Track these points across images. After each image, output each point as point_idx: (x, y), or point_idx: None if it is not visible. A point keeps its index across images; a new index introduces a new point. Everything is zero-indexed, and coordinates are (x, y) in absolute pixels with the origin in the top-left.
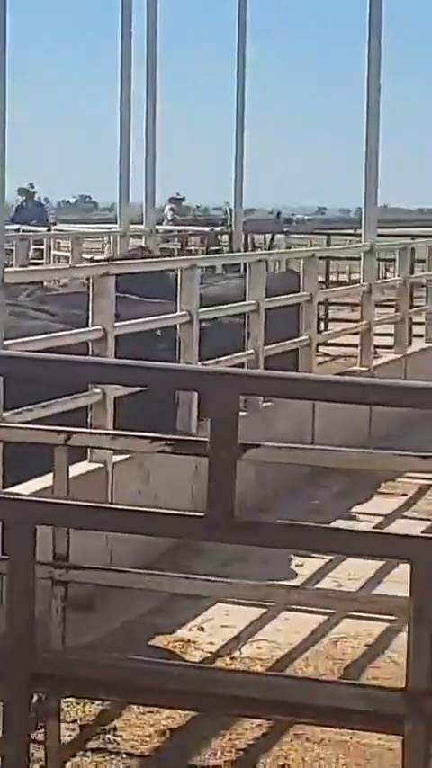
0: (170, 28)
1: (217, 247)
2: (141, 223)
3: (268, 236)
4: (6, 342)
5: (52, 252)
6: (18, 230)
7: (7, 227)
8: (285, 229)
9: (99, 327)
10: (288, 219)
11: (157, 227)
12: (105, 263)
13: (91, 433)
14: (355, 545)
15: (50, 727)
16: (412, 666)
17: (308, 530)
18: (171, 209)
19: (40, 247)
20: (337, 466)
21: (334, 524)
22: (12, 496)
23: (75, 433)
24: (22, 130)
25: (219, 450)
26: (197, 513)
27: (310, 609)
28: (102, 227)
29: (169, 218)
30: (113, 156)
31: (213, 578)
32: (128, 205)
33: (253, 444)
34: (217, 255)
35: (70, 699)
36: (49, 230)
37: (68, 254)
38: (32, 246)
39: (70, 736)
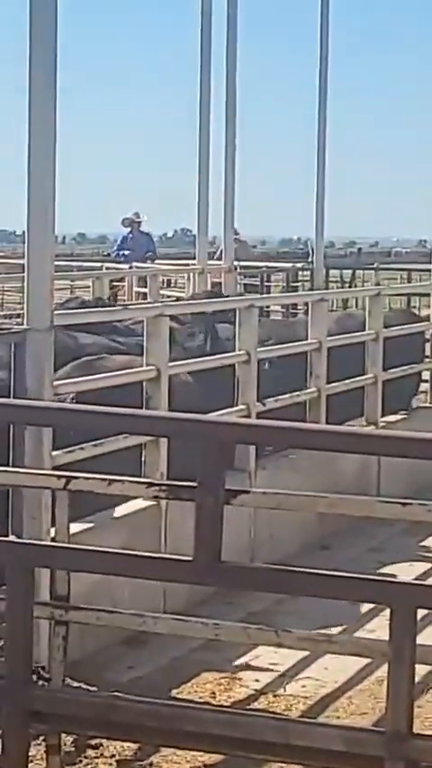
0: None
1: (296, 284)
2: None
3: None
4: (57, 383)
5: (134, 289)
6: (131, 267)
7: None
8: (375, 264)
9: (153, 367)
10: (387, 253)
11: (237, 263)
12: (159, 304)
13: (87, 478)
14: (337, 589)
15: (52, 763)
16: (391, 709)
17: (291, 574)
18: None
19: (121, 284)
20: (329, 512)
21: (395, 563)
22: (10, 540)
23: (73, 477)
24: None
25: (206, 496)
26: (185, 558)
27: None
28: (180, 264)
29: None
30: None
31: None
32: (206, 238)
33: (242, 490)
34: (278, 295)
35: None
36: (130, 267)
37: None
38: (112, 282)
39: None
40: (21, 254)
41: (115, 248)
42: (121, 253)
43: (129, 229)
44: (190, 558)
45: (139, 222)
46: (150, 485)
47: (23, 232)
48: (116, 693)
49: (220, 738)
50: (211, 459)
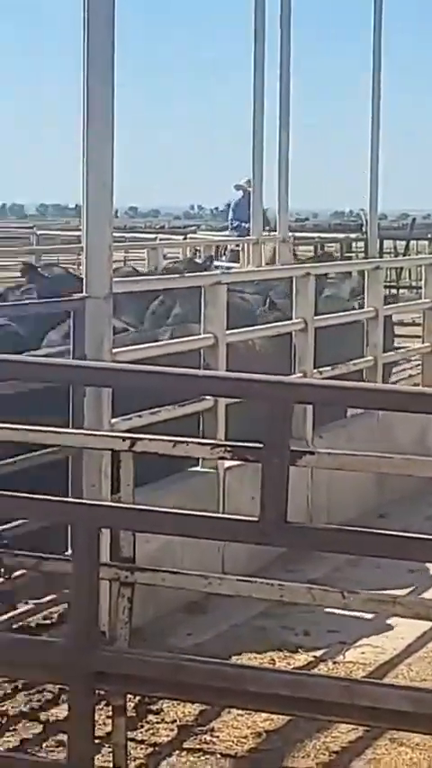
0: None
1: (350, 254)
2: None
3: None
4: (116, 350)
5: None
6: (154, 239)
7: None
8: (430, 235)
9: (210, 335)
10: None
11: (293, 234)
12: (218, 273)
13: (152, 440)
14: (405, 550)
15: (117, 725)
16: None
17: (357, 534)
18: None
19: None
20: (392, 472)
21: None
22: (76, 501)
23: (138, 439)
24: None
25: (272, 457)
26: (252, 518)
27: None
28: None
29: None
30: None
31: (316, 586)
32: (260, 209)
33: (306, 451)
34: (334, 263)
35: (171, 700)
36: (184, 238)
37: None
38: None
39: (168, 736)
40: (73, 227)
41: (230, 215)
42: (234, 219)
43: (240, 195)
44: (256, 519)
45: (250, 190)
46: (215, 446)
47: (76, 206)
48: (193, 656)
49: (285, 699)
50: (276, 419)
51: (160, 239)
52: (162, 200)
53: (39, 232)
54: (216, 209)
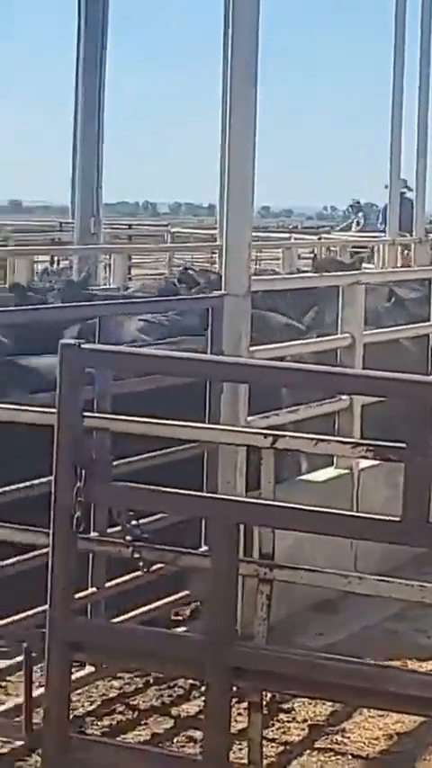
0: None
1: None
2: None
3: None
4: (253, 348)
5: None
6: (288, 239)
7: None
8: None
9: (348, 335)
10: None
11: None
12: (356, 272)
13: (294, 437)
14: None
15: (254, 720)
16: None
17: None
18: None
19: (311, 255)
20: None
21: None
22: (218, 496)
23: (281, 436)
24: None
25: (415, 456)
26: (393, 518)
27: None
28: (370, 236)
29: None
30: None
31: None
32: (396, 210)
33: None
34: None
35: (303, 699)
36: (319, 239)
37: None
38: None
39: (299, 735)
40: (207, 225)
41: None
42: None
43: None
44: (398, 518)
45: (404, 190)
46: (357, 444)
47: (209, 205)
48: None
49: (422, 700)
50: (418, 418)
51: (294, 239)
52: (294, 200)
53: (172, 230)
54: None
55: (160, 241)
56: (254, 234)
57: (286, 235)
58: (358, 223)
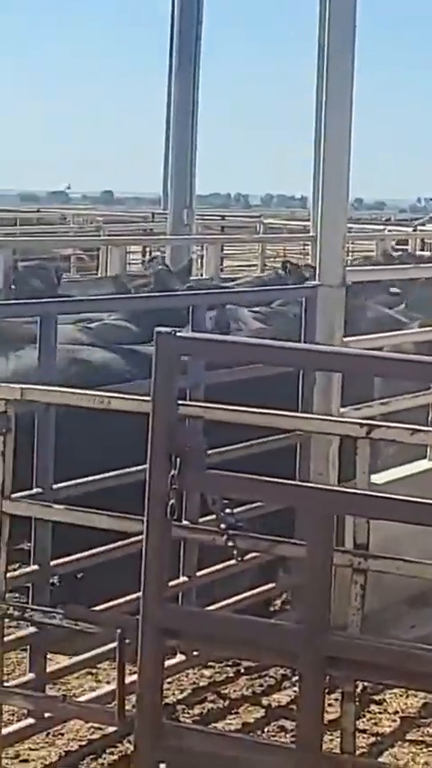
0: None
1: None
2: None
3: None
4: (347, 339)
5: (417, 252)
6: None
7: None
8: None
9: None
10: None
11: None
12: None
13: (390, 427)
14: None
15: (347, 709)
16: None
17: None
18: None
19: (405, 247)
20: None
21: None
22: (314, 485)
23: (377, 426)
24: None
25: None
26: None
27: None
28: None
29: None
30: None
31: None
32: None
33: None
34: None
35: (394, 690)
36: (414, 230)
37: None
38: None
39: (390, 726)
40: (300, 217)
41: None
42: None
43: None
44: None
45: None
46: None
47: (302, 196)
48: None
49: None
50: None
51: (388, 231)
52: (388, 192)
53: (265, 221)
54: None
55: (252, 232)
56: (348, 225)
57: (380, 227)
58: None
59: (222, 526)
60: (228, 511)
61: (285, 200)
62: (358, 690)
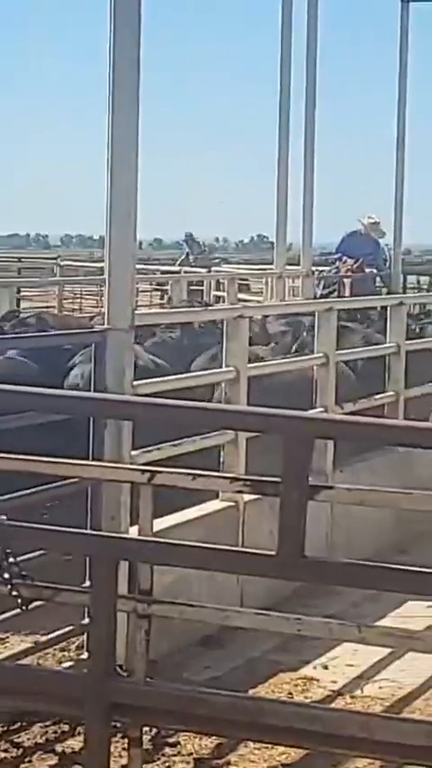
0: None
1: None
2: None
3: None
4: (137, 383)
5: (212, 293)
6: (179, 272)
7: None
8: None
9: (232, 369)
10: None
11: (289, 268)
12: (239, 306)
13: (171, 473)
14: (425, 585)
15: (133, 756)
16: None
17: (375, 569)
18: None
19: (200, 288)
20: (411, 508)
21: None
22: (96, 533)
23: (158, 472)
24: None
25: (290, 491)
26: (269, 552)
27: None
28: (258, 269)
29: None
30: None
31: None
32: (284, 244)
33: (325, 486)
34: (357, 298)
35: (188, 733)
36: (209, 271)
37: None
38: (191, 288)
39: None
40: (97, 258)
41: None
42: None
43: (358, 229)
44: (273, 553)
45: (369, 224)
46: (234, 479)
47: (100, 237)
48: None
49: (303, 733)
50: (294, 453)
51: (184, 272)
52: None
53: (62, 263)
54: (241, 242)
55: (50, 274)
56: (145, 266)
57: (176, 268)
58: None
59: (6, 576)
60: (11, 560)
61: (84, 241)
62: (152, 733)
